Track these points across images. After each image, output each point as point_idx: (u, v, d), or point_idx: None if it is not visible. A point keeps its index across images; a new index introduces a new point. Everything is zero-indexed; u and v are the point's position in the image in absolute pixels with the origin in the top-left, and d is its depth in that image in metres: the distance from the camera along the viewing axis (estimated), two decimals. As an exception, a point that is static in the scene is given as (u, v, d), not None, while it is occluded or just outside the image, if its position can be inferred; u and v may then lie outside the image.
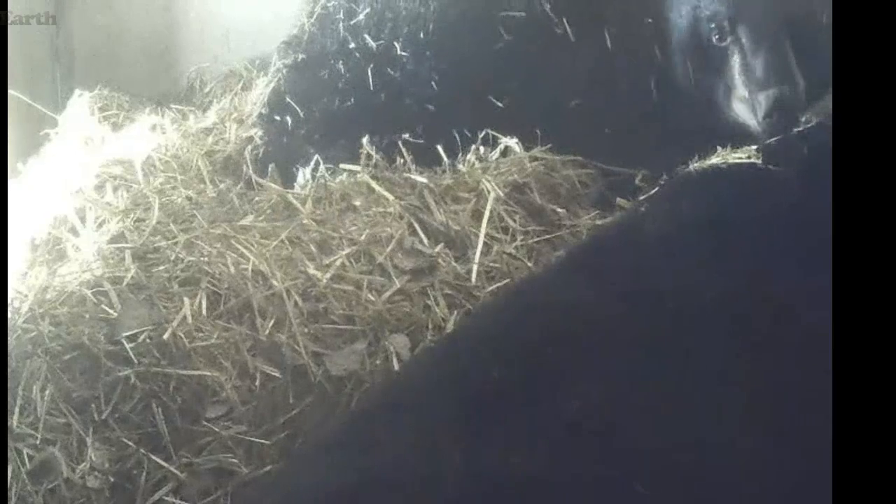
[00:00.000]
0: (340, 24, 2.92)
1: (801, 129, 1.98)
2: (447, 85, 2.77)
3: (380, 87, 2.82)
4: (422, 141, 2.67)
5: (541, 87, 2.72)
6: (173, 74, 4.03)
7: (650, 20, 2.61)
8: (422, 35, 2.80)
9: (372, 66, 2.82)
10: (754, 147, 1.91)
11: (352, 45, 2.88)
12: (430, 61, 2.79)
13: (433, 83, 2.77)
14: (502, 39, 2.73)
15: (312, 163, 2.72)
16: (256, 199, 2.61)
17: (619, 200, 2.52)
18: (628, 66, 2.64)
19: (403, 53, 2.80)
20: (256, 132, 2.99)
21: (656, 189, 2.04)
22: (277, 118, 2.94)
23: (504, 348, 1.52)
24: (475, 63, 2.78)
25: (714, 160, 1.94)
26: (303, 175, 2.74)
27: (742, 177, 1.83)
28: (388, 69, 2.82)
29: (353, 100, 2.85)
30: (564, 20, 2.65)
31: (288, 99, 2.93)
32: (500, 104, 2.68)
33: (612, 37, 2.63)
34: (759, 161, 1.83)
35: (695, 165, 1.97)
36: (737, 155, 1.91)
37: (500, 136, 2.63)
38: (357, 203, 2.48)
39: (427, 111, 2.76)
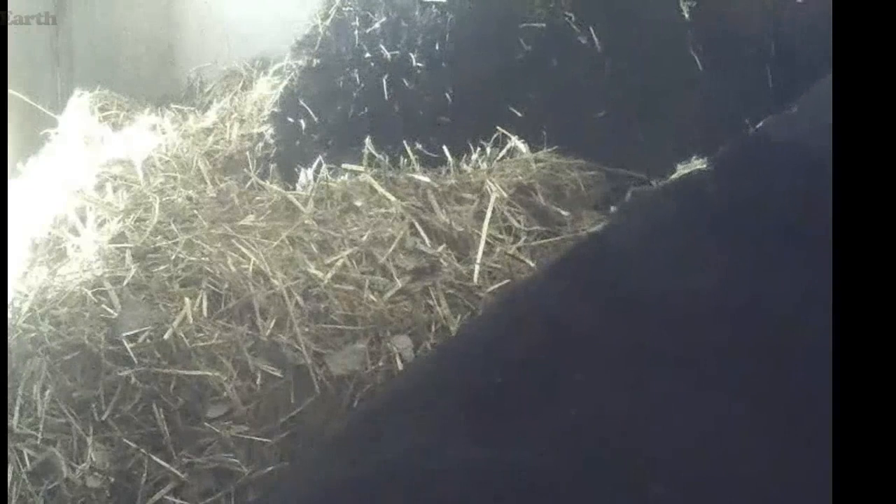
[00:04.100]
0: (356, 32, 2.91)
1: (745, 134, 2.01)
2: (462, 97, 2.76)
3: (394, 98, 2.81)
4: (435, 155, 2.65)
5: (563, 97, 2.69)
6: (173, 74, 4.03)
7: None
8: (437, 46, 2.79)
9: (387, 76, 2.81)
10: (704, 158, 1.94)
11: (367, 55, 2.87)
12: (446, 73, 2.77)
13: (448, 95, 2.76)
14: (522, 51, 2.71)
15: (315, 163, 2.71)
16: (257, 198, 2.60)
17: (613, 208, 2.51)
18: (651, 71, 2.64)
19: (419, 65, 2.79)
20: (268, 129, 2.99)
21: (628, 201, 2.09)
22: (290, 120, 2.93)
23: (506, 353, 1.52)
24: (492, 75, 2.76)
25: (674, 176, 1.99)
26: (304, 175, 2.74)
27: (694, 184, 1.86)
28: (404, 80, 2.81)
29: (367, 109, 2.84)
30: (591, 29, 2.63)
31: (301, 102, 2.92)
32: (519, 114, 2.66)
33: (638, 44, 2.61)
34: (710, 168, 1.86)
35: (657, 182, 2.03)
36: (687, 167, 1.95)
37: (509, 135, 2.62)
38: (358, 203, 2.48)
39: (442, 123, 2.75)
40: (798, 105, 1.81)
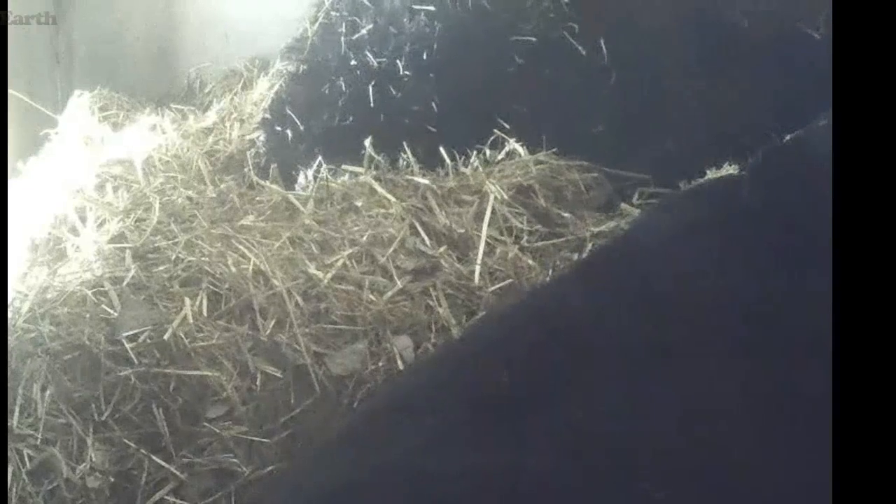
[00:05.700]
0: (342, 38, 2.88)
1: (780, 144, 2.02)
2: (449, 106, 2.73)
3: (380, 106, 2.78)
4: (420, 164, 2.64)
5: (556, 107, 2.67)
6: (173, 74, 4.03)
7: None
8: (425, 55, 2.76)
9: (373, 83, 2.78)
10: (736, 165, 1.96)
11: (353, 62, 2.84)
12: (433, 82, 2.74)
13: (434, 104, 2.73)
14: (514, 63, 2.67)
15: (315, 164, 2.71)
16: (257, 199, 2.60)
17: (623, 206, 2.51)
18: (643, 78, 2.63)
19: (406, 73, 2.77)
20: (259, 136, 2.98)
21: (656, 202, 2.07)
22: (279, 128, 2.92)
23: (512, 353, 1.52)
24: (481, 85, 2.73)
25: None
26: (304, 176, 2.73)
27: (728, 188, 1.87)
28: (390, 88, 2.78)
29: (352, 118, 2.81)
30: (601, 42, 2.59)
31: (288, 110, 2.91)
32: (507, 125, 2.64)
33: (637, 54, 2.60)
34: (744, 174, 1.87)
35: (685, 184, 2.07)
36: (720, 173, 1.98)
37: (507, 137, 2.61)
38: (359, 204, 2.48)
39: (428, 132, 2.72)
40: (827, 117, 1.81)
